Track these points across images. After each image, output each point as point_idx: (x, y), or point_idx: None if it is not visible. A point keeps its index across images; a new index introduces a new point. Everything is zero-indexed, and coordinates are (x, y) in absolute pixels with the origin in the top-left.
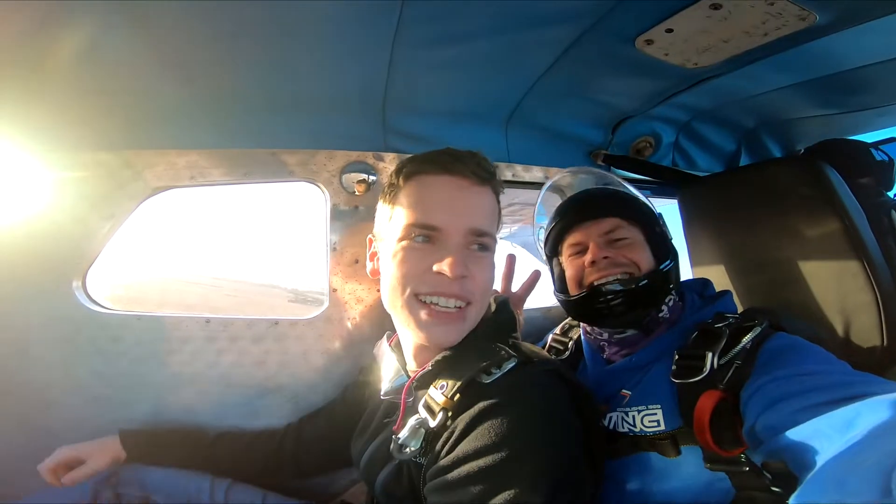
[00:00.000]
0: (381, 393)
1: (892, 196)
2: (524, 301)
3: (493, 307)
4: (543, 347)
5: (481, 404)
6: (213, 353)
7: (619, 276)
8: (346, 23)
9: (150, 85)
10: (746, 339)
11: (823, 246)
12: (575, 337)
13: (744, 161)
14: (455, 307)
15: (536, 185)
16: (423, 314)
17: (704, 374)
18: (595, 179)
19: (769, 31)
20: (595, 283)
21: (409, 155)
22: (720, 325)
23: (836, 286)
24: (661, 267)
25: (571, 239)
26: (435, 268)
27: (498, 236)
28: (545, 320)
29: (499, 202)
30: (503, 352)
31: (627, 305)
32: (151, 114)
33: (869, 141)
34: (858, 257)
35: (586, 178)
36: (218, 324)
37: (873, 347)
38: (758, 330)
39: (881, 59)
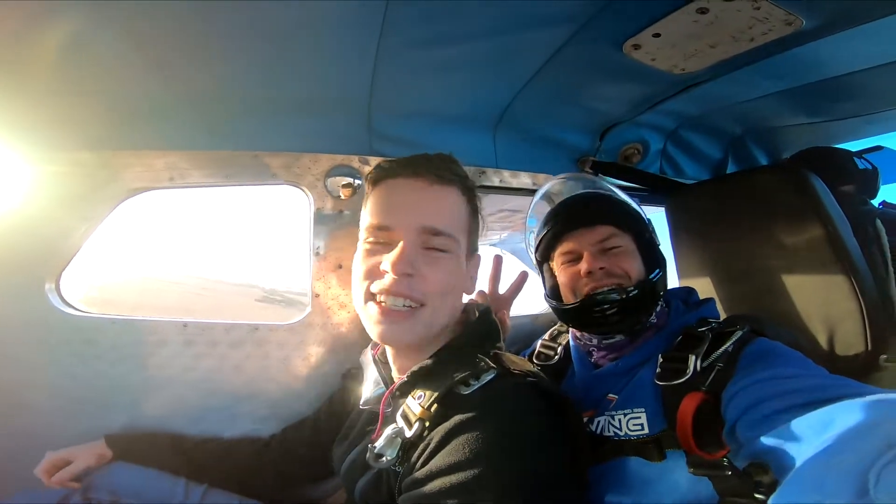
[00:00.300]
0: (361, 402)
1: (875, 205)
2: (511, 303)
3: (476, 315)
4: (532, 353)
5: (457, 417)
6: (190, 357)
7: (613, 287)
8: (330, 24)
9: (132, 85)
10: (728, 342)
11: (808, 254)
12: (564, 343)
13: (730, 169)
14: (404, 307)
15: (524, 192)
16: (374, 311)
17: (687, 377)
18: (587, 185)
19: (755, 35)
20: (590, 293)
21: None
22: (703, 329)
23: (821, 294)
24: (651, 277)
25: (564, 246)
26: (381, 265)
27: (479, 241)
28: (533, 327)
29: (471, 204)
30: (483, 363)
31: (622, 314)
32: (131, 114)
33: (855, 149)
34: (843, 266)
35: (578, 184)
36: (196, 328)
37: (857, 354)
38: (739, 334)
39: (867, 66)
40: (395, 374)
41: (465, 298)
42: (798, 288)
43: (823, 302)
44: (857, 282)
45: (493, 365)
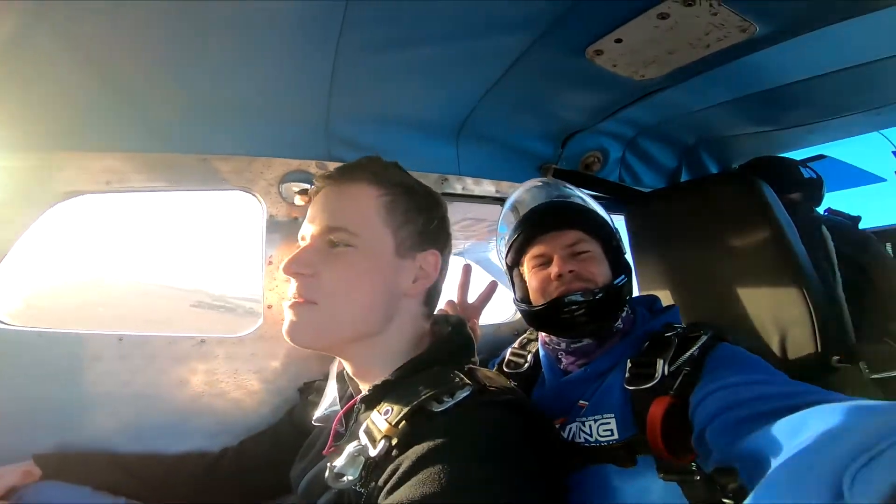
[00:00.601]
0: (313, 418)
1: (821, 212)
2: (481, 311)
3: (448, 328)
4: (502, 362)
5: (429, 443)
6: (127, 372)
7: (581, 290)
8: (287, 23)
9: (67, 83)
10: (694, 347)
11: (759, 260)
12: (533, 350)
13: (684, 178)
14: (297, 305)
15: (487, 199)
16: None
17: (656, 381)
18: (557, 192)
19: (711, 42)
20: (560, 295)
21: None
22: (669, 334)
23: (772, 299)
24: (616, 282)
25: (535, 250)
26: None
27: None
28: (496, 336)
29: (391, 196)
30: (457, 379)
31: (590, 316)
32: (66, 114)
33: (799, 158)
34: (792, 271)
35: (548, 191)
36: (133, 341)
37: (807, 356)
38: (704, 338)
39: (809, 76)
40: (361, 388)
41: (412, 304)
42: (750, 293)
43: (775, 307)
44: (805, 287)
45: (468, 381)
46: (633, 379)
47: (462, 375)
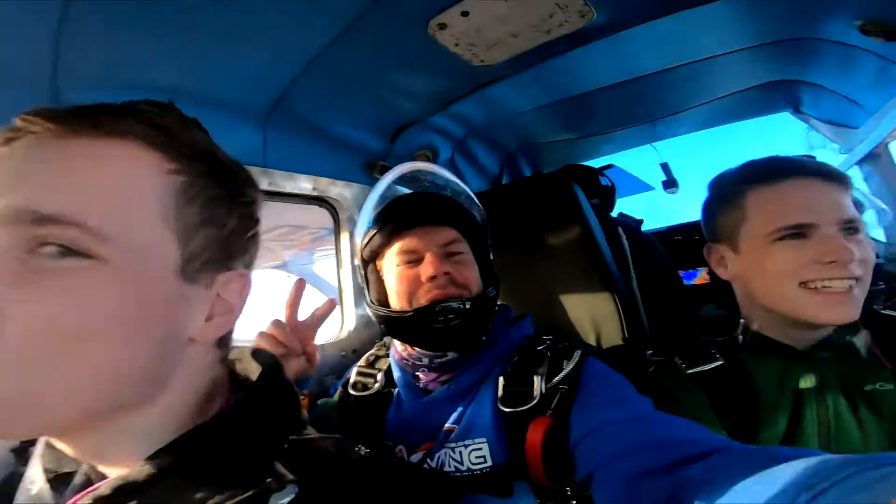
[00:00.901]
0: None
1: (614, 216)
2: (315, 332)
3: (256, 375)
4: (346, 384)
5: None
6: None
7: (455, 296)
8: None
9: None
10: (568, 364)
11: (574, 260)
12: (384, 368)
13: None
14: None
15: (300, 198)
16: None
17: (535, 401)
18: (434, 181)
19: (553, 27)
20: (433, 301)
21: None
22: (540, 347)
23: (587, 298)
24: (488, 292)
25: (404, 244)
26: None
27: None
28: (322, 360)
29: (190, 176)
30: (270, 476)
31: (465, 327)
32: None
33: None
34: (601, 271)
35: (424, 179)
36: None
37: (620, 351)
38: (577, 354)
39: (607, 84)
40: (103, 470)
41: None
42: (568, 292)
43: (589, 305)
44: (614, 285)
45: (289, 477)
46: (508, 399)
47: (280, 467)
